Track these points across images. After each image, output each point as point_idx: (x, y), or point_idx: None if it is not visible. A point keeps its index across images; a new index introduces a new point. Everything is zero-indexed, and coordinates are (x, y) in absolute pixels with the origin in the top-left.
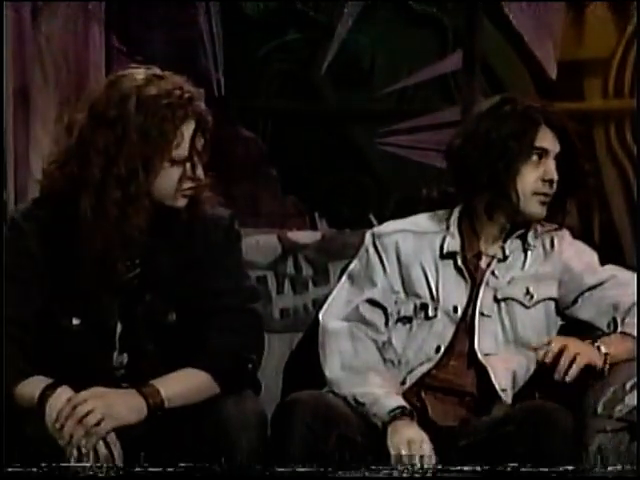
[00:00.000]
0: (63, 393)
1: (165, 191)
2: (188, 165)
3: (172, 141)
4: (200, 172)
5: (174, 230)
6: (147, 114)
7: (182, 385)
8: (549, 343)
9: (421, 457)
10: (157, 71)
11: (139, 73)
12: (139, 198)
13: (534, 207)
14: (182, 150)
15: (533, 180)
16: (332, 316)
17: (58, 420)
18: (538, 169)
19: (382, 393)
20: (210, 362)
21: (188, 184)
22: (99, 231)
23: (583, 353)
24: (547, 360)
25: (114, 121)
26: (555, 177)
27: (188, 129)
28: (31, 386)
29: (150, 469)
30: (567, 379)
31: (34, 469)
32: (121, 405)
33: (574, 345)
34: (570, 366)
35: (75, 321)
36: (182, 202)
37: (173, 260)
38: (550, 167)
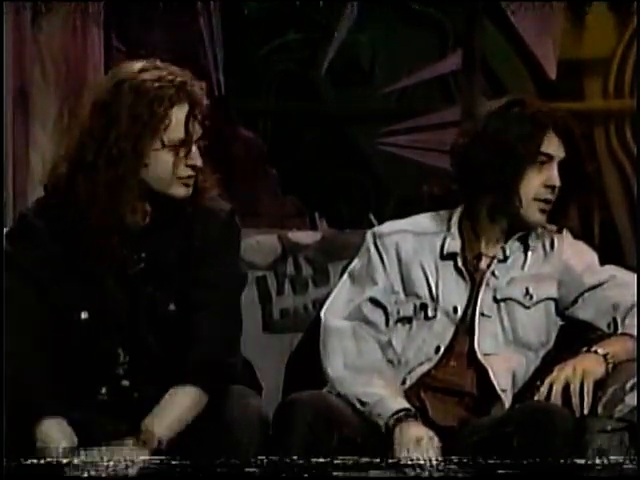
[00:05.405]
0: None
1: (162, 177)
2: (182, 150)
3: (162, 122)
4: (197, 158)
5: (177, 222)
6: (137, 96)
7: (174, 414)
8: (550, 383)
9: (434, 452)
10: (157, 62)
11: (137, 63)
12: (127, 179)
13: (534, 214)
14: (175, 133)
15: (536, 185)
16: (334, 315)
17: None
18: (541, 174)
19: (386, 394)
20: (194, 376)
21: (185, 170)
22: (92, 215)
23: (587, 373)
24: (556, 402)
25: (107, 105)
26: (557, 183)
27: (181, 112)
28: (51, 439)
29: (152, 467)
30: (587, 411)
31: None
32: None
33: (573, 371)
34: (583, 398)
35: (84, 315)
36: (182, 191)
37: (174, 251)
38: (553, 173)
